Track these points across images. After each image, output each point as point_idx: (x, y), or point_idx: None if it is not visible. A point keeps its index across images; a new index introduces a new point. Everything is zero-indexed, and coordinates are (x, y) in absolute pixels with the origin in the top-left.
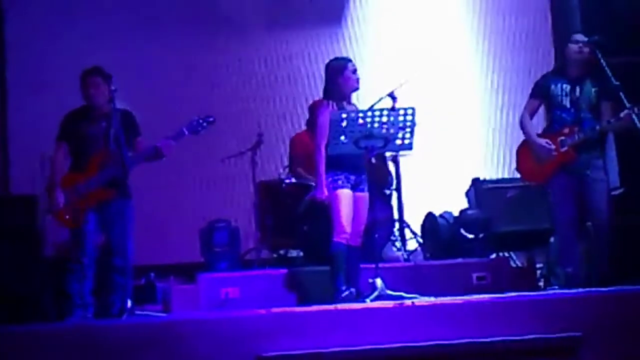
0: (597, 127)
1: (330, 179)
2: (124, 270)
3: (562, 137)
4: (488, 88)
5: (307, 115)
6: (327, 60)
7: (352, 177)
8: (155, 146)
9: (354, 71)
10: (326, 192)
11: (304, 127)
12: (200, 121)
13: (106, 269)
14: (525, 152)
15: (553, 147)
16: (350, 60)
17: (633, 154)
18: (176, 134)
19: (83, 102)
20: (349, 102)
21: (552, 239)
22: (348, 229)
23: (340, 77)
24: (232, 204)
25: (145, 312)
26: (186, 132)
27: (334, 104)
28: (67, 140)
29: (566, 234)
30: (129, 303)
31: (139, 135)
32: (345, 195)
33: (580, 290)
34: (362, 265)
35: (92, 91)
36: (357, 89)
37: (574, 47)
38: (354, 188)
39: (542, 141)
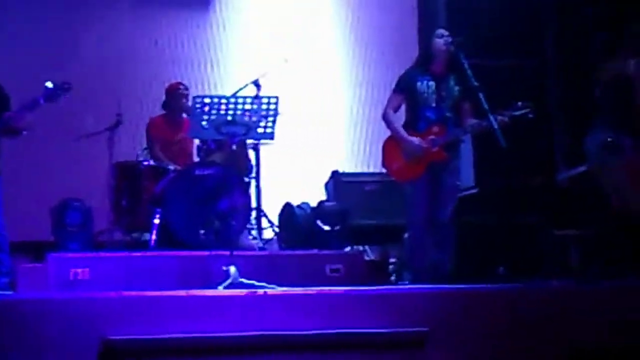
0: (469, 128)
1: None
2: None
3: (433, 137)
4: (352, 81)
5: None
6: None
7: None
8: (3, 117)
9: None
10: None
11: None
12: (56, 88)
13: None
14: (392, 149)
15: (426, 146)
16: None
17: (488, 155)
18: (30, 104)
19: None
20: None
21: (405, 235)
22: None
23: None
24: (87, 183)
25: None
26: (41, 101)
27: None
28: None
29: (418, 233)
30: None
31: (7, 111)
32: None
33: (429, 286)
34: (216, 253)
35: None
36: None
37: (440, 41)
38: None
39: (416, 139)
